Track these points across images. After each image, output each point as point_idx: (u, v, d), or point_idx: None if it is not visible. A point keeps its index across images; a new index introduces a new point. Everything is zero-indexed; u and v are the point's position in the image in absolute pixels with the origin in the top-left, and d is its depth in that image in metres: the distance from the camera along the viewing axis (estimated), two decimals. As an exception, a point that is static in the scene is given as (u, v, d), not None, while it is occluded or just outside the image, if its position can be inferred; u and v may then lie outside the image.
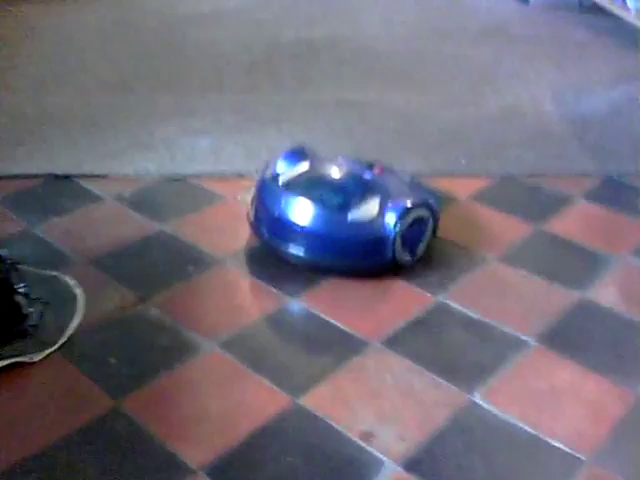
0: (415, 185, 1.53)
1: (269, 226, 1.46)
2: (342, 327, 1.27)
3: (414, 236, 1.41)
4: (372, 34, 2.78)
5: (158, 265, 1.43)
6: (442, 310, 1.32)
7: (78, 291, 1.34)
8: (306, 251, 1.40)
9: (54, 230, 1.53)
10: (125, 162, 1.79)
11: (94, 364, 1.19)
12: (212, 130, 1.97)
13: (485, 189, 1.71)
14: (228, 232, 1.55)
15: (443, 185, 1.71)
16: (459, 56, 2.56)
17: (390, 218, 1.37)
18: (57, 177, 1.72)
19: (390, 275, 1.40)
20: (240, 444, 1.05)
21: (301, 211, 1.40)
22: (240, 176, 1.75)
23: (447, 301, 1.34)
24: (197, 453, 1.03)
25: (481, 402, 1.13)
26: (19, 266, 1.31)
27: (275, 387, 1.15)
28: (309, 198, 1.40)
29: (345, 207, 1.39)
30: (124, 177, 1.73)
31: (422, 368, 1.19)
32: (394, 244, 1.38)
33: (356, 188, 1.44)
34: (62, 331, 1.25)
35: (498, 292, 1.38)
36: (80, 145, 1.86)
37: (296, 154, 1.54)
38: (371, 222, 1.38)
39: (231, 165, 1.80)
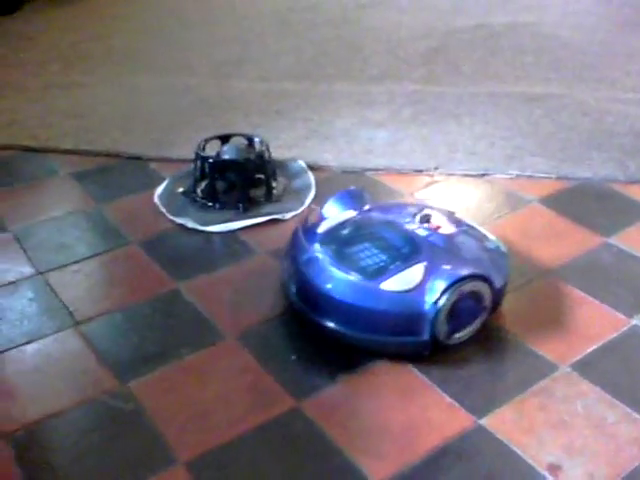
0: (483, 248, 1.26)
1: (294, 282, 1.26)
2: (528, 345, 1.21)
3: (463, 315, 1.17)
4: (555, 22, 2.64)
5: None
6: (638, 335, 1.23)
7: (311, 176, 1.69)
8: (333, 322, 1.19)
9: (236, 218, 1.56)
10: (304, 152, 1.79)
11: (276, 360, 1.19)
12: (390, 122, 1.93)
13: (686, 202, 1.58)
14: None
15: (638, 194, 1.59)
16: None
17: (433, 290, 1.13)
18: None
19: (578, 290, 1.32)
20: (421, 462, 1.02)
21: (327, 272, 1.20)
22: (418, 171, 1.71)
23: (644, 326, 1.24)
24: (377, 466, 1.01)
25: (682, 444, 1.04)
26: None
27: (456, 404, 1.11)
28: (339, 257, 1.21)
29: (380, 272, 1.17)
30: (303, 167, 1.74)
31: (615, 399, 1.11)
32: (434, 322, 1.14)
33: (400, 249, 1.21)
34: (301, 203, 1.60)
35: (702, 321, 1.26)
36: (261, 132, 1.87)
37: (350, 198, 1.37)
38: (408, 293, 1.14)
39: (409, 160, 1.76)
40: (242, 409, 1.11)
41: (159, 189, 1.65)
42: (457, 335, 1.19)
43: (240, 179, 1.58)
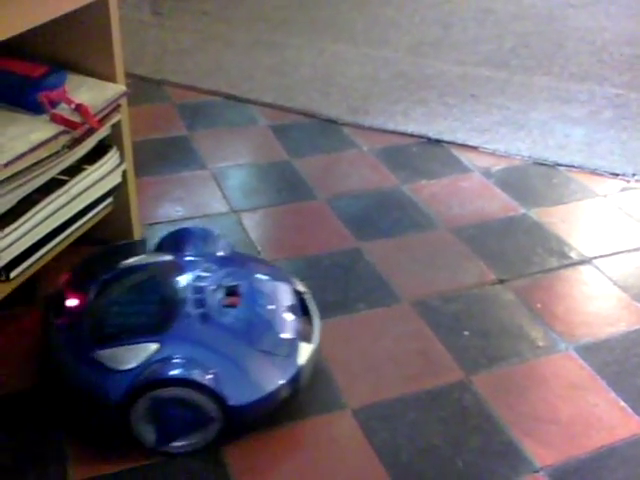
0: (259, 348, 1.00)
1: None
2: None
3: (175, 423, 0.96)
4: None
5: (519, 249, 1.40)
6: None
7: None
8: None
9: (422, 191, 1.58)
10: (497, 138, 1.78)
11: (449, 332, 1.20)
12: (588, 121, 1.88)
13: None
14: (597, 232, 1.47)
15: None
16: None
17: (128, 383, 0.94)
18: (430, 140, 1.76)
19: None
20: (586, 457, 1.00)
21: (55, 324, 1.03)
22: (614, 175, 1.65)
23: None
24: (542, 453, 1.00)
25: None
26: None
27: (629, 409, 1.08)
28: (94, 305, 1.02)
29: (113, 337, 0.97)
30: (494, 152, 1.72)
31: None
32: (128, 423, 0.95)
33: (156, 316, 0.99)
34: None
35: None
36: (454, 113, 1.88)
37: (192, 238, 1.17)
38: (110, 373, 0.94)
39: (606, 161, 1.70)
40: (412, 371, 1.13)
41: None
42: (176, 444, 0.98)
43: None
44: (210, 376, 0.94)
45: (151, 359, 0.94)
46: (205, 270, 1.07)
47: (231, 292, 1.04)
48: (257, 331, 1.01)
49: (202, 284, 1.04)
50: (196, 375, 0.94)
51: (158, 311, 1.00)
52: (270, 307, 1.05)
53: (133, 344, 0.96)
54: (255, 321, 1.02)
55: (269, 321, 1.03)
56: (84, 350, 0.97)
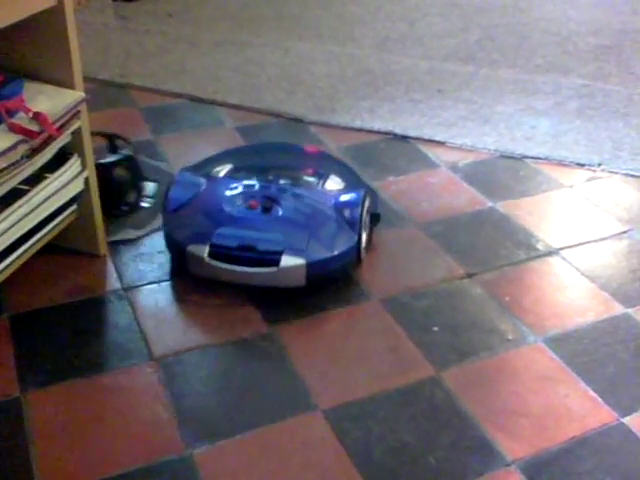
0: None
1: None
2: (682, 352, 1.16)
3: None
4: None
5: (487, 243, 1.41)
6: None
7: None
8: None
9: (390, 188, 1.58)
10: (463, 132, 1.78)
11: (419, 328, 1.20)
12: (554, 113, 1.89)
13: None
14: (564, 223, 1.48)
15: None
16: None
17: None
18: (396, 136, 1.76)
19: None
20: (558, 448, 1.01)
21: None
22: (580, 165, 1.66)
23: None
24: (514, 446, 1.01)
25: None
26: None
27: (599, 399, 1.08)
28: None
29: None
30: (460, 147, 1.73)
31: None
32: None
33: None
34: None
35: None
36: (421, 109, 1.89)
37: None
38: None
39: (571, 152, 1.71)
40: (382, 369, 1.13)
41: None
42: None
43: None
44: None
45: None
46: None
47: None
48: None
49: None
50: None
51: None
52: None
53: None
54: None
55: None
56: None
